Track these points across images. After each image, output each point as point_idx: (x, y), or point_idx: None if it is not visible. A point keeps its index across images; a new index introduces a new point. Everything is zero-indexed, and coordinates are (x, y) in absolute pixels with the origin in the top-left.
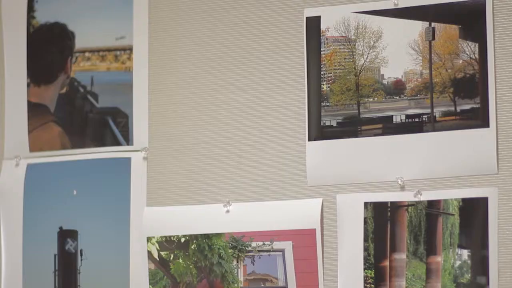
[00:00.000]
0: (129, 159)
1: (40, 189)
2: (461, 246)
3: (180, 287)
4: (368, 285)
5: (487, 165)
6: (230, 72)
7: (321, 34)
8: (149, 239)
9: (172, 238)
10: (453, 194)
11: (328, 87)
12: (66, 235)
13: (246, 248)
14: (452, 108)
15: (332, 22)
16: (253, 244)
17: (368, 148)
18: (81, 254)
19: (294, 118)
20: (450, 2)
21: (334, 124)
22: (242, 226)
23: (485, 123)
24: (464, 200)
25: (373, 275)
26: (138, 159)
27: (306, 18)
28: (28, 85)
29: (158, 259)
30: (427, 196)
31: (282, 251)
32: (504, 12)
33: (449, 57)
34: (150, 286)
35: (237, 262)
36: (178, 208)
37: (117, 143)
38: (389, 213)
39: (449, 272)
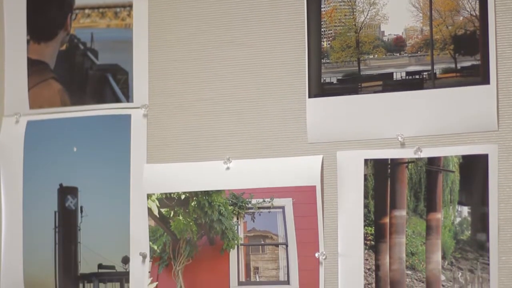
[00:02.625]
0: (129, 116)
1: (40, 146)
2: (461, 203)
3: (180, 244)
4: (368, 242)
5: (487, 122)
6: (231, 29)
7: None
8: (149, 196)
9: (172, 195)
10: (453, 151)
11: (329, 44)
12: (66, 192)
13: (246, 205)
14: (453, 65)
15: None
16: (253, 201)
17: (368, 105)
18: (81, 211)
19: (294, 75)
20: None
21: (334, 81)
22: (242, 183)
23: (485, 80)
24: (464, 157)
25: (373, 232)
26: (138, 116)
27: None
28: (28, 42)
29: (158, 216)
30: (427, 153)
31: (282, 208)
32: None
33: (450, 13)
34: (150, 242)
35: (237, 219)
36: (178, 165)
37: (117, 100)
38: (389, 170)
39: (449, 229)
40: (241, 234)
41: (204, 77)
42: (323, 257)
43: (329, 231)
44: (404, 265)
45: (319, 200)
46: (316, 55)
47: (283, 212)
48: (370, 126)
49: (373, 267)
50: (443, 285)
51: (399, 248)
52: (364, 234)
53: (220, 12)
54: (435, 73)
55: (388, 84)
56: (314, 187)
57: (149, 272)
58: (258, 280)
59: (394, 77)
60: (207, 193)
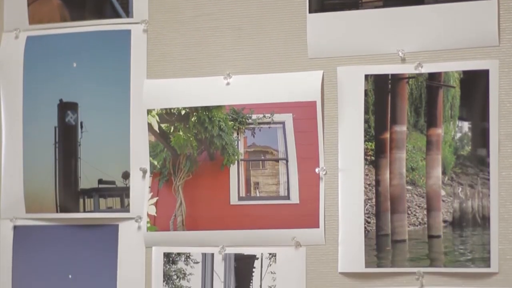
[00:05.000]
0: (128, 31)
1: (39, 62)
2: (461, 118)
3: (181, 159)
4: (369, 157)
5: (489, 37)
6: None
7: None
8: (149, 112)
9: (172, 110)
10: (454, 66)
11: None
12: (66, 107)
13: (247, 120)
14: None
15: None
16: (254, 116)
17: (369, 21)
18: (81, 127)
19: None
20: None
21: None
22: (243, 98)
23: None
24: (465, 72)
25: (373, 147)
26: (138, 31)
27: None
28: None
29: (158, 131)
30: (428, 68)
31: (283, 123)
32: None
33: None
34: (151, 158)
35: (238, 134)
36: (178, 80)
37: (116, 15)
38: (389, 85)
39: (450, 144)
40: (241, 150)
41: None
42: (323, 173)
43: (329, 146)
44: (404, 180)
45: (319, 116)
46: None
47: (283, 127)
48: (370, 41)
49: (373, 182)
50: (443, 200)
51: (399, 163)
52: (364, 149)
53: None
54: None
55: None
56: (315, 102)
57: (149, 187)
58: (258, 195)
59: None
60: (207, 108)
